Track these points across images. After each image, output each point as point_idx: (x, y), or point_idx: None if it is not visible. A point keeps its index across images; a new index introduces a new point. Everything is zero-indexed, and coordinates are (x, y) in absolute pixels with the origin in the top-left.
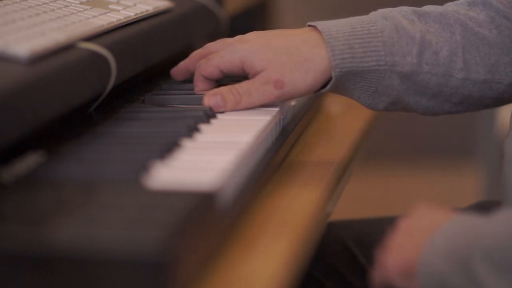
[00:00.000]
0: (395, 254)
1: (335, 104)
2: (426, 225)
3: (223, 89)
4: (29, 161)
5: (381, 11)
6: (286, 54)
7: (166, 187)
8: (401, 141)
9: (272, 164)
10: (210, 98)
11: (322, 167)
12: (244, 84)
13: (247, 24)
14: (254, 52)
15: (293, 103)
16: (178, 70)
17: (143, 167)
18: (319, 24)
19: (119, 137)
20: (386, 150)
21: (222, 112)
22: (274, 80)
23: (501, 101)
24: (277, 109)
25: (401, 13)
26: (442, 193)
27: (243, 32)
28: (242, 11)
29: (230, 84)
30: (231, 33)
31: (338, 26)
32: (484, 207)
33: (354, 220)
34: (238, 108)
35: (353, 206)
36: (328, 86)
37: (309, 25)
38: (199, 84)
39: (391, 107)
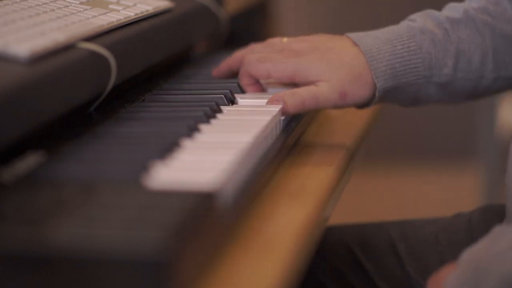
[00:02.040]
0: None
1: None
2: None
3: (287, 94)
4: (29, 161)
5: (417, 22)
6: (341, 69)
7: (166, 187)
8: (401, 141)
9: (272, 164)
10: (273, 103)
11: (322, 167)
12: (311, 89)
13: (247, 24)
14: (309, 64)
15: None
16: (221, 70)
17: (143, 167)
18: (360, 41)
19: (119, 137)
20: (386, 150)
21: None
22: (339, 91)
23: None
24: (277, 109)
25: (434, 22)
26: (442, 193)
27: (243, 32)
28: (242, 11)
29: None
30: (231, 33)
31: (379, 45)
32: (488, 211)
33: (358, 224)
34: (303, 111)
35: (353, 206)
36: (371, 105)
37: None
38: (245, 79)
39: (422, 105)
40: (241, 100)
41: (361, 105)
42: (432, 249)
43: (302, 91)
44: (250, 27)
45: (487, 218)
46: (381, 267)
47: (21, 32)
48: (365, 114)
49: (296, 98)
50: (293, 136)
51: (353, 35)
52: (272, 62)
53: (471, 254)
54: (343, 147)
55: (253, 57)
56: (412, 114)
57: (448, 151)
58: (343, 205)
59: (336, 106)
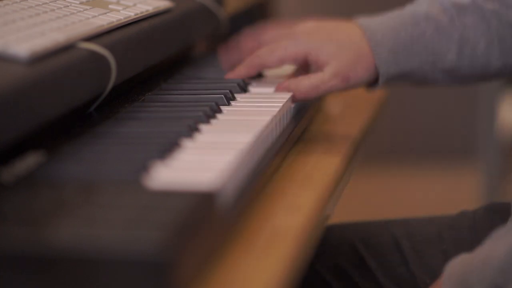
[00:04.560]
0: None
1: (335, 104)
2: None
3: (291, 82)
4: (29, 161)
5: (423, 7)
6: (350, 50)
7: (166, 187)
8: (401, 141)
9: (272, 164)
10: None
11: (322, 167)
12: (313, 77)
13: (247, 24)
14: (320, 46)
15: (293, 103)
16: (230, 62)
17: (143, 167)
18: (365, 26)
19: (119, 137)
20: (386, 150)
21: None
22: (342, 75)
23: None
24: (277, 109)
25: (440, 7)
26: (442, 193)
27: (243, 32)
28: (242, 11)
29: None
30: (231, 33)
31: (383, 31)
32: (492, 209)
33: (362, 222)
34: (306, 100)
35: (353, 206)
36: (376, 89)
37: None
38: (253, 70)
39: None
40: (254, 89)
41: (365, 87)
42: (436, 247)
43: (305, 79)
44: (250, 27)
45: (491, 216)
46: (385, 265)
47: (21, 32)
48: (365, 114)
49: (302, 86)
50: (293, 136)
51: (359, 20)
52: (283, 48)
53: (454, 267)
54: (343, 147)
55: (265, 50)
56: (413, 114)
57: (448, 151)
58: (343, 206)
59: (340, 90)
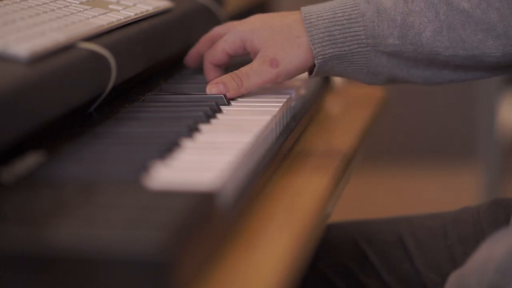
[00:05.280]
0: None
1: (335, 104)
2: None
3: (224, 76)
4: (29, 161)
5: None
6: (280, 33)
7: (166, 187)
8: (401, 141)
9: (272, 164)
10: (212, 87)
11: (322, 167)
12: (243, 68)
13: None
14: (253, 32)
15: (293, 103)
16: (191, 57)
17: (143, 167)
18: (304, 9)
19: (119, 137)
20: (386, 150)
21: (232, 101)
22: (269, 60)
23: (499, 71)
24: (277, 109)
25: None
26: (442, 193)
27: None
28: (242, 11)
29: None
30: None
31: (321, 11)
32: (496, 205)
33: (364, 220)
34: (241, 92)
35: (353, 206)
36: (313, 73)
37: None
38: (210, 73)
39: (391, 82)
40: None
41: (302, 71)
42: (440, 243)
43: (236, 72)
44: None
45: (495, 212)
46: (389, 261)
47: (21, 32)
48: (365, 114)
49: (233, 80)
50: (293, 136)
51: (305, 6)
52: (223, 40)
53: (453, 276)
54: (343, 147)
55: (209, 49)
56: (413, 114)
57: (448, 151)
58: (343, 206)
59: (275, 77)
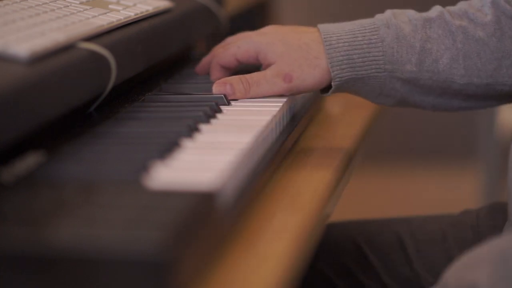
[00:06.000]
0: None
1: (335, 104)
2: None
3: (233, 77)
4: (29, 161)
5: (387, 15)
6: (298, 51)
7: (166, 187)
8: (401, 141)
9: (272, 164)
10: (219, 86)
11: (322, 167)
12: (255, 75)
13: (247, 24)
14: (269, 45)
15: (293, 103)
16: (202, 67)
17: (143, 167)
18: (322, 29)
19: (119, 137)
20: (386, 150)
21: (232, 101)
22: (283, 74)
23: (508, 100)
24: (277, 109)
25: (406, 18)
26: (442, 193)
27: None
28: (242, 11)
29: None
30: (231, 33)
31: (341, 34)
32: (496, 208)
33: (365, 220)
34: (247, 97)
35: (353, 206)
36: (329, 93)
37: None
38: (215, 72)
39: (400, 105)
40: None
41: (312, 90)
42: (439, 246)
43: (247, 77)
44: (250, 27)
45: (494, 216)
46: (388, 263)
47: (21, 32)
48: (365, 114)
49: (241, 83)
50: (293, 136)
51: (321, 24)
52: (236, 46)
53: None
54: (343, 147)
55: (220, 49)
56: (413, 114)
57: (449, 151)
58: (343, 206)
59: (286, 91)
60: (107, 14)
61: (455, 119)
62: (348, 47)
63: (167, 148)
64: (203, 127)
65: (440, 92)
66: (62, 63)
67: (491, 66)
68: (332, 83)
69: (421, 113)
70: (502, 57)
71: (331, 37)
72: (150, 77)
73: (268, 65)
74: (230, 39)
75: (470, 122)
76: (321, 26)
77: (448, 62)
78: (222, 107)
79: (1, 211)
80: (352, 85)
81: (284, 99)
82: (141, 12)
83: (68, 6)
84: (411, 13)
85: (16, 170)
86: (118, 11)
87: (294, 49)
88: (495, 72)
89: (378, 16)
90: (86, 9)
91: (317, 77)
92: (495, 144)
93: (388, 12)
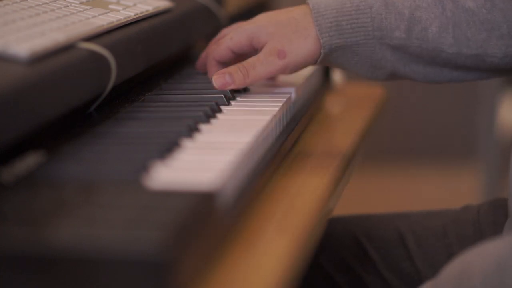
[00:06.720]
0: None
1: (335, 104)
2: None
3: (230, 67)
4: (29, 161)
5: None
6: (287, 26)
7: (166, 187)
8: (401, 141)
9: (272, 164)
10: (218, 78)
11: (322, 167)
12: (249, 59)
13: None
14: (260, 27)
15: (293, 103)
16: (202, 62)
17: (143, 167)
18: (311, 1)
19: (119, 137)
20: (386, 150)
21: (232, 101)
22: (276, 51)
23: (498, 73)
24: (277, 109)
25: None
26: (442, 193)
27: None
28: (242, 11)
29: None
30: None
31: (329, 2)
32: (496, 205)
33: (366, 215)
34: (247, 82)
35: (353, 206)
36: (318, 62)
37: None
38: (212, 69)
39: (391, 78)
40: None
41: (309, 63)
42: (440, 242)
43: (243, 63)
44: None
45: (495, 212)
46: (389, 258)
47: (21, 32)
48: (365, 114)
49: (239, 71)
50: (293, 136)
51: None
52: (229, 38)
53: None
54: (343, 147)
55: (213, 45)
56: (413, 114)
57: (448, 151)
58: (343, 206)
59: (282, 68)
60: (107, 14)
61: (455, 119)
62: (336, 13)
63: (167, 148)
64: (203, 127)
65: (429, 61)
66: (62, 63)
67: (480, 36)
68: (321, 51)
69: (421, 113)
70: (491, 29)
71: (319, 6)
72: (150, 77)
73: (262, 48)
74: (226, 31)
75: (470, 122)
76: (310, 0)
77: (437, 31)
78: (222, 107)
79: (1, 211)
80: (341, 55)
81: (284, 99)
82: (141, 12)
83: (68, 6)
84: None
85: (16, 170)
86: (118, 11)
87: (283, 25)
88: (485, 43)
89: None
90: (86, 9)
91: (310, 48)
92: (495, 143)
93: None
